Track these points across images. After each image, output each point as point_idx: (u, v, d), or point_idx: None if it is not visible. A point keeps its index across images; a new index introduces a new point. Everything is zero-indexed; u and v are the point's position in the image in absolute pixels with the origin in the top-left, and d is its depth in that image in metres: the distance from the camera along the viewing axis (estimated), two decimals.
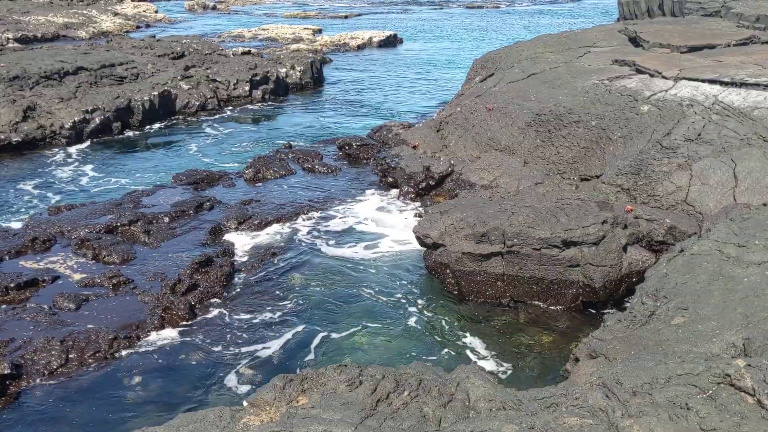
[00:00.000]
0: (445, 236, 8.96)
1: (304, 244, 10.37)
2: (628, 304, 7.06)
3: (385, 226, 11.13)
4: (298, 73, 22.17)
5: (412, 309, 8.70)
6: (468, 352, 7.74)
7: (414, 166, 12.88)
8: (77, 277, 9.06)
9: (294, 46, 28.59)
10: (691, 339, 5.36)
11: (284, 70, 22.03)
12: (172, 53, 22.22)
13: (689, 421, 4.17)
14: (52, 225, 10.49)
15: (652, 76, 12.02)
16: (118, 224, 10.53)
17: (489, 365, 7.33)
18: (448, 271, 8.97)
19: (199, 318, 8.33)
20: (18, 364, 7.12)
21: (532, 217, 8.55)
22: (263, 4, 52.32)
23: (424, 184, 12.55)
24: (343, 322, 8.36)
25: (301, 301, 8.80)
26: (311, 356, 7.69)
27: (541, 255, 8.36)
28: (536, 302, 8.61)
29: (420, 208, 11.72)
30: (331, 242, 10.49)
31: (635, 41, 15.28)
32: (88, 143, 16.07)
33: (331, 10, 48.12)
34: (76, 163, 14.68)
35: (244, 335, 8.00)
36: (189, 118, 18.59)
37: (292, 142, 15.92)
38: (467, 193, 10.92)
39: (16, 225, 10.90)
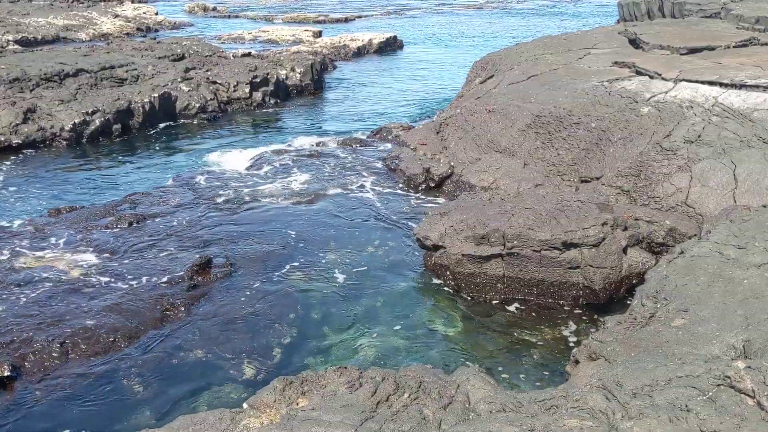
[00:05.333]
0: (444, 238, 8.96)
1: (304, 243, 10.37)
2: (628, 306, 7.05)
3: (387, 224, 11.12)
4: (298, 75, 22.18)
5: (412, 311, 8.69)
6: (468, 354, 7.74)
7: (414, 168, 12.89)
8: (77, 277, 9.06)
9: (294, 48, 28.61)
10: (691, 341, 5.35)
11: (284, 72, 22.04)
12: (173, 55, 22.24)
13: (689, 423, 4.17)
14: (52, 226, 10.49)
15: (651, 77, 12.03)
16: (118, 226, 10.54)
17: (489, 367, 7.33)
18: (448, 273, 8.97)
19: (199, 318, 8.33)
20: (17, 365, 7.12)
21: (532, 218, 8.55)
22: (263, 6, 52.36)
23: (423, 186, 12.57)
24: (344, 324, 8.35)
25: (301, 302, 8.79)
26: (311, 358, 7.69)
27: (541, 257, 8.36)
28: (536, 304, 8.61)
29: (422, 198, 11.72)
30: (333, 240, 10.48)
31: (635, 43, 15.29)
32: (88, 145, 16.07)
33: (330, 12, 48.14)
34: (77, 165, 14.68)
35: (244, 336, 7.99)
36: (189, 120, 18.60)
37: (292, 143, 15.93)
38: (467, 195, 10.92)
39: (16, 226, 10.89)
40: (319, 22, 42.52)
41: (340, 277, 9.46)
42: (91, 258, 9.62)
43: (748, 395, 4.36)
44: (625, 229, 8.63)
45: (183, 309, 8.34)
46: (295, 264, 9.80)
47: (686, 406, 4.31)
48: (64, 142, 15.79)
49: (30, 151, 15.33)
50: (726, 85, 10.97)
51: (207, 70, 20.79)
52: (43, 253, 9.73)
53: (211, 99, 19.43)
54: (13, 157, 14.91)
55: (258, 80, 20.64)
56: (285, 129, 17.93)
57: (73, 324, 7.95)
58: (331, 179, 13.21)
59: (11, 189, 13.07)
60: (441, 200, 11.97)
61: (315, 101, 21.41)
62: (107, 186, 13.44)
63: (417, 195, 12.38)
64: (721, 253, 6.69)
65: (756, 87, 10.73)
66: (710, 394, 4.42)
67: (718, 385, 4.50)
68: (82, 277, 9.08)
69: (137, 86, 18.75)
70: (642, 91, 11.47)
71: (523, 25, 40.55)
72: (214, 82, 20.13)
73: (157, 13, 42.39)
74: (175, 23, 40.51)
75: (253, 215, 11.37)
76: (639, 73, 12.50)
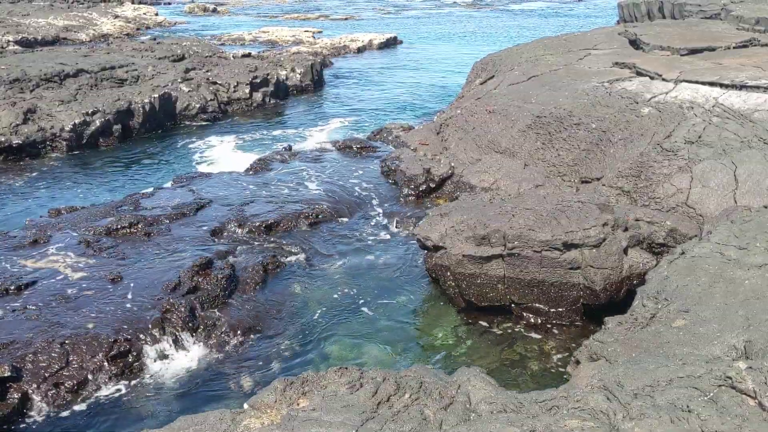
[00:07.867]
0: (445, 238, 8.95)
1: (305, 247, 10.36)
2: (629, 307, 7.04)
3: (387, 225, 11.12)
4: (298, 76, 22.18)
5: (413, 313, 8.69)
6: (468, 354, 7.74)
7: (414, 169, 12.89)
8: (77, 279, 9.05)
9: (294, 49, 28.63)
10: (692, 341, 5.35)
11: (284, 72, 22.05)
12: (173, 56, 22.25)
13: (690, 424, 4.16)
14: (52, 227, 10.48)
15: (652, 78, 12.03)
16: (119, 226, 10.52)
17: (490, 367, 7.33)
18: (448, 273, 8.96)
19: (198, 320, 8.32)
20: (18, 367, 7.11)
21: (532, 219, 8.54)
22: (263, 6, 52.38)
23: (424, 187, 12.56)
24: (344, 326, 8.35)
25: (301, 304, 8.79)
26: (312, 359, 7.69)
27: (542, 257, 8.35)
28: (537, 305, 8.60)
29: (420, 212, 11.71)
30: (333, 246, 10.48)
31: (635, 43, 15.29)
32: (88, 146, 16.06)
33: (331, 12, 48.16)
34: (77, 165, 14.68)
35: (245, 338, 7.99)
36: (189, 121, 18.60)
37: (292, 144, 15.93)
38: (468, 196, 10.91)
39: (16, 227, 10.88)
40: (320, 20, 42.57)
41: (340, 279, 9.45)
42: (91, 259, 9.61)
43: (750, 396, 4.35)
44: (626, 229, 8.62)
45: (183, 310, 8.33)
46: (295, 266, 9.80)
47: (687, 406, 4.31)
48: (64, 143, 15.78)
49: (30, 151, 15.31)
50: (726, 86, 10.97)
51: (207, 71, 20.79)
52: (43, 254, 9.72)
53: (211, 99, 19.43)
54: (13, 158, 14.90)
55: (258, 81, 20.64)
56: (285, 130, 17.93)
57: (73, 325, 7.94)
58: (331, 180, 13.19)
59: (11, 189, 13.07)
60: (441, 201, 11.97)
61: (315, 102, 21.41)
62: (107, 186, 13.44)
63: (417, 195, 12.37)
64: (722, 253, 6.69)
65: (756, 88, 10.73)
66: (711, 394, 4.42)
67: (720, 385, 4.49)
68: (82, 278, 9.07)
69: (137, 87, 18.75)
70: (642, 92, 11.47)
71: (523, 25, 40.55)
72: (215, 83, 20.13)
73: (157, 14, 42.45)
74: (175, 24, 40.55)
75: (253, 216, 11.36)
76: (639, 73, 12.50)
